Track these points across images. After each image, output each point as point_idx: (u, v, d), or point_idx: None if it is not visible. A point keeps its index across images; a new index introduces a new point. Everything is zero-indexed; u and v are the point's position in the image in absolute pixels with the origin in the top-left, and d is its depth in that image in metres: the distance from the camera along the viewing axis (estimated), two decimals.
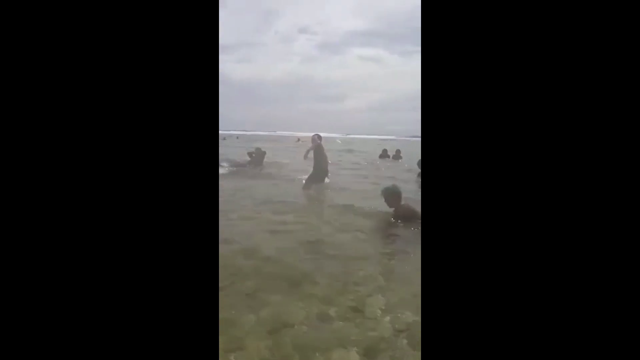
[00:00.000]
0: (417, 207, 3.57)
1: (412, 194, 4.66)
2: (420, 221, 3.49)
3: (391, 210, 3.77)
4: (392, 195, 3.73)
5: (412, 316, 1.84)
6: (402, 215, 3.64)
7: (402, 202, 3.74)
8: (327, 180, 6.33)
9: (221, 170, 6.97)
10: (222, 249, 2.15)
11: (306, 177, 6.26)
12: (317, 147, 6.25)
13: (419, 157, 8.25)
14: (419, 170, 7.72)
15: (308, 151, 6.32)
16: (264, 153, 9.41)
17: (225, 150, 11.51)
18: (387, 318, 1.84)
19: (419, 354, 1.51)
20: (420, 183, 7.17)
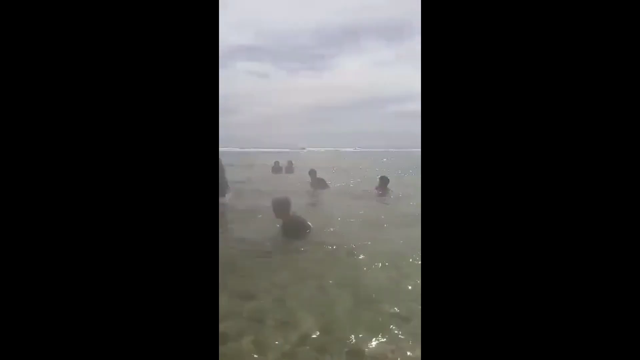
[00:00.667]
0: (306, 219, 3.66)
1: (300, 207, 4.73)
2: (308, 231, 3.61)
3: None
4: (280, 205, 3.68)
5: None
6: (291, 226, 3.65)
7: (291, 213, 3.72)
8: (227, 196, 5.84)
9: None
10: None
11: None
12: None
13: (309, 168, 8.78)
14: (310, 179, 8.21)
15: None
16: None
17: None
18: None
19: None
20: (311, 192, 7.64)
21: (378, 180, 7.34)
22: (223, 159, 6.07)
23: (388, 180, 7.21)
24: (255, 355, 1.64)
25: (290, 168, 12.75)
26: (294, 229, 3.64)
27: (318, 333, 1.82)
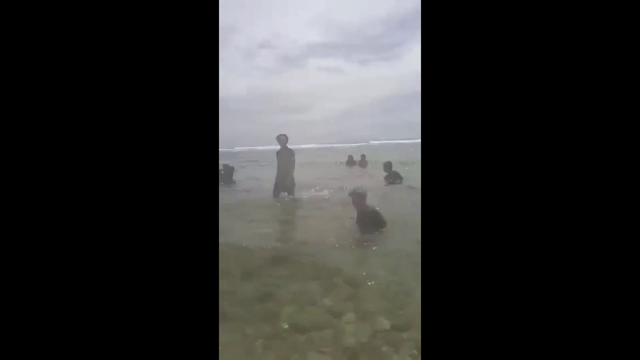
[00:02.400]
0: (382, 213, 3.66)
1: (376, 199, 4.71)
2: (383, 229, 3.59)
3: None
4: (358, 196, 3.77)
5: None
6: (366, 218, 3.69)
7: (368, 204, 3.77)
8: (285, 194, 6.00)
9: None
10: None
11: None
12: (282, 148, 5.98)
13: (384, 160, 8.49)
14: (385, 173, 7.95)
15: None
16: (233, 169, 9.31)
17: None
18: None
19: None
20: (387, 184, 7.42)
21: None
22: (298, 157, 6.27)
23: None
24: None
25: (363, 162, 12.65)
26: (370, 221, 3.65)
27: None
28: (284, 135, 6.07)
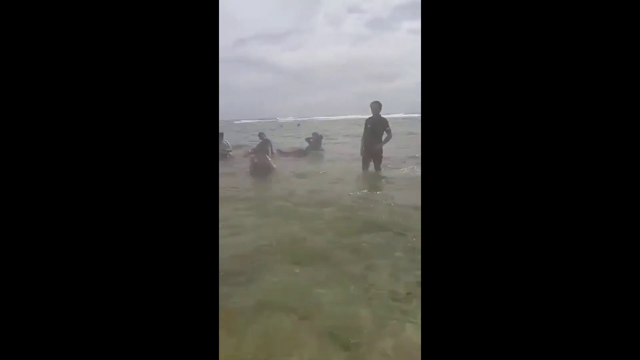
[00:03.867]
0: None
1: None
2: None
3: None
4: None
5: None
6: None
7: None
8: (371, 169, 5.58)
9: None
10: None
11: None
12: (375, 115, 5.43)
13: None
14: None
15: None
16: (321, 137, 9.78)
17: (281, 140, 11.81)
18: None
19: None
20: None
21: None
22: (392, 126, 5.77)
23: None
24: None
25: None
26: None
27: None
28: (377, 102, 5.47)
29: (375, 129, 5.48)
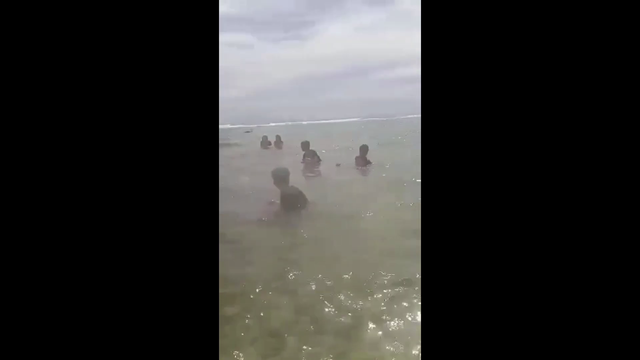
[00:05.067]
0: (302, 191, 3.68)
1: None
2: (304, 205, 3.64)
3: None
4: (278, 176, 3.73)
5: None
6: (288, 198, 3.65)
7: (290, 185, 3.70)
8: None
9: None
10: None
11: None
12: None
13: (301, 140, 7.96)
14: (303, 152, 7.46)
15: None
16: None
17: None
18: None
19: None
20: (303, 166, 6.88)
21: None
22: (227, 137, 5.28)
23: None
24: None
25: (279, 143, 12.03)
26: (292, 201, 3.65)
27: None
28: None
29: None
